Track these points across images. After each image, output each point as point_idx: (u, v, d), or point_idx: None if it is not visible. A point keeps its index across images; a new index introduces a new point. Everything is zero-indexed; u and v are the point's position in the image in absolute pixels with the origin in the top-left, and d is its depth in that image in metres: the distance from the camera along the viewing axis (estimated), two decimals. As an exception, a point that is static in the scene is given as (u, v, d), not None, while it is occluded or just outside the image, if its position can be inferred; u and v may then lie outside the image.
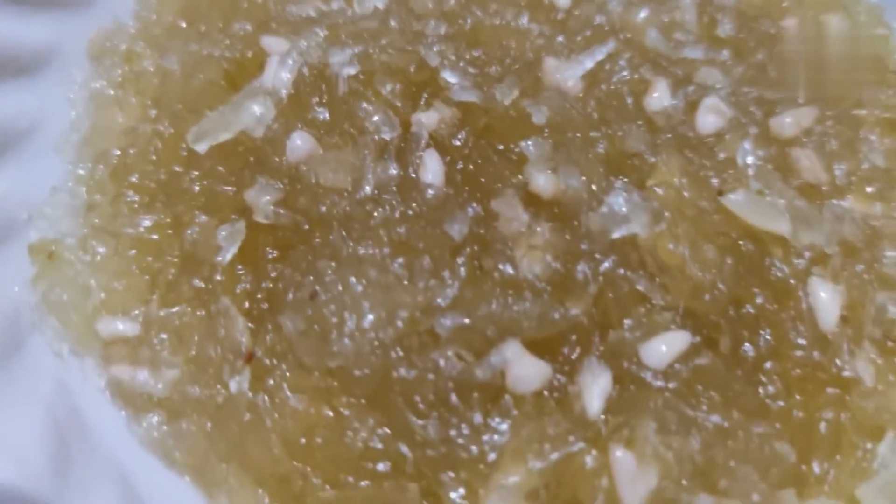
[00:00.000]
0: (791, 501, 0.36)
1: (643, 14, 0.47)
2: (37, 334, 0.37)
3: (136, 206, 0.43)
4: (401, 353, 0.37)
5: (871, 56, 0.52)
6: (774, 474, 0.36)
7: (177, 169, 0.44)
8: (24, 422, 0.32)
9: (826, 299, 0.40)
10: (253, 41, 0.47)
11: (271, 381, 0.37)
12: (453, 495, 0.35)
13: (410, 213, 0.40)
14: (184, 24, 0.49)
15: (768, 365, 0.40)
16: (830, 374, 0.39)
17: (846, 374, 0.40)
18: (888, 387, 0.40)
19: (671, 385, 0.37)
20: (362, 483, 0.36)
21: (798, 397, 0.39)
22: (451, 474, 0.35)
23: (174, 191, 0.43)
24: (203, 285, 0.40)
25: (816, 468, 0.38)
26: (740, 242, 0.40)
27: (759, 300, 0.40)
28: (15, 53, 0.44)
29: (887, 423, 0.39)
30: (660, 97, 0.44)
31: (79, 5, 0.48)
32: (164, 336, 0.39)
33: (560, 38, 0.45)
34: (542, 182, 0.40)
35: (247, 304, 0.40)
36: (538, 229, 0.40)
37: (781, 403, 0.38)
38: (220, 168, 0.43)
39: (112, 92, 0.47)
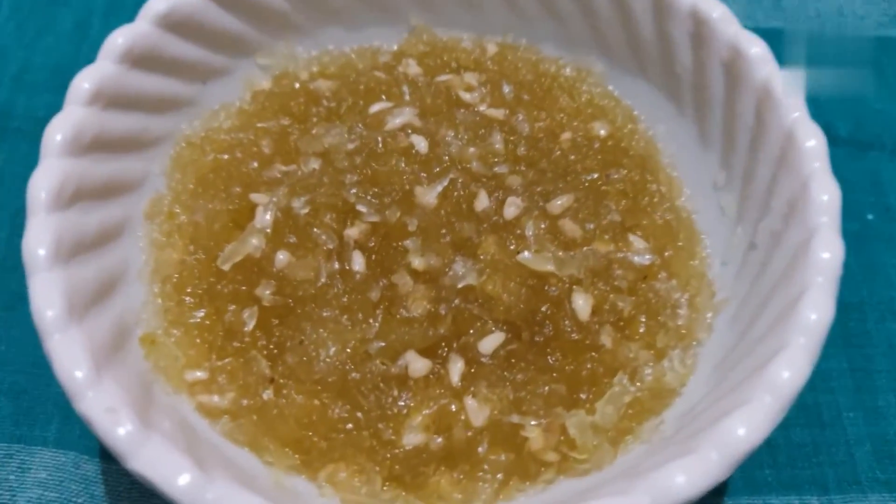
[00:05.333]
0: (560, 413, 0.67)
1: (471, 150, 0.80)
2: (156, 385, 0.69)
3: (192, 305, 0.69)
4: (352, 366, 0.65)
5: (619, 147, 0.87)
6: (553, 402, 0.69)
7: (212, 280, 0.70)
8: (169, 428, 0.64)
9: (581, 304, 0.67)
10: (245, 197, 0.73)
11: (285, 391, 0.64)
12: (387, 433, 0.62)
13: (348, 289, 0.73)
14: (200, 190, 0.80)
15: (552, 344, 0.65)
16: (586, 344, 0.66)
17: (596, 343, 0.66)
18: (619, 346, 0.69)
19: (495, 362, 0.64)
20: (340, 436, 0.63)
21: (569, 360, 0.66)
22: (384, 424, 0.63)
23: (213, 294, 0.68)
24: (239, 345, 0.67)
25: (583, 396, 0.71)
26: (530, 280, 0.66)
27: (543, 309, 0.66)
28: (107, 230, 0.70)
29: (619, 365, 0.67)
30: (482, 202, 0.70)
31: (135, 188, 0.77)
32: (223, 376, 0.71)
33: (423, 174, 0.75)
34: (417, 262, 0.66)
35: (265, 353, 0.66)
36: (418, 289, 0.68)
37: (559, 364, 0.73)
38: (239, 277, 0.68)
39: (164, 239, 0.75)
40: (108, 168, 0.75)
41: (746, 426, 0.52)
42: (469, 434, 0.63)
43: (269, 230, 0.71)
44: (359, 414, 0.64)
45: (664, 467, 0.54)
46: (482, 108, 0.83)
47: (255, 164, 0.80)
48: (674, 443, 0.62)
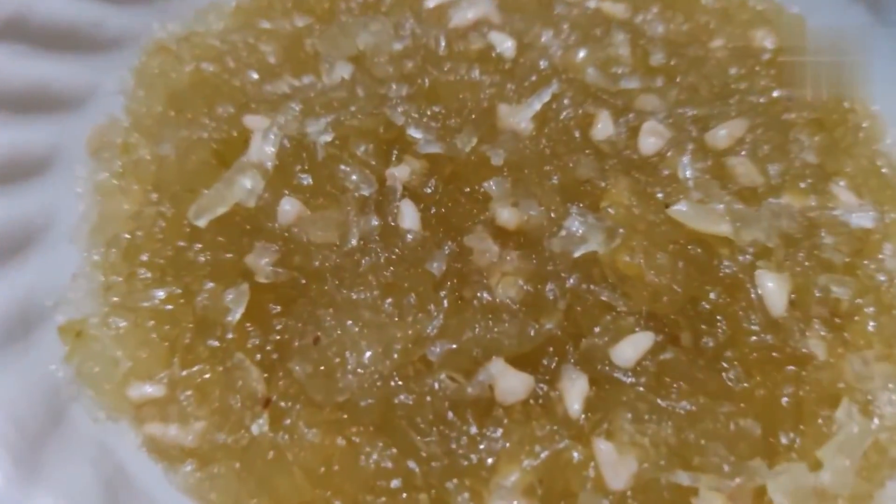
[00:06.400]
0: (760, 469, 0.42)
1: (581, 54, 0.54)
2: (76, 405, 0.44)
3: (149, 281, 0.50)
4: (399, 382, 0.44)
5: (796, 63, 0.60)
6: (743, 448, 0.43)
7: (181, 244, 0.51)
8: (78, 482, 0.38)
9: (773, 288, 0.47)
10: (236, 121, 0.54)
11: (288, 421, 0.44)
12: (460, 500, 0.42)
13: (394, 257, 0.47)
14: (172, 113, 0.56)
15: (728, 353, 0.46)
16: (785, 354, 0.46)
17: (800, 352, 0.46)
18: (838, 359, 0.47)
19: (641, 380, 0.44)
20: (379, 501, 0.42)
21: (758, 378, 0.45)
22: (456, 482, 0.42)
23: (181, 264, 0.50)
24: (217, 344, 0.47)
25: (784, 439, 0.45)
26: (689, 247, 0.47)
27: (712, 296, 0.47)
28: (21, 158, 0.51)
29: (841, 391, 0.46)
30: (604, 127, 0.51)
31: (74, 106, 0.55)
32: (188, 393, 0.45)
33: (510, 86, 0.52)
34: (506, 216, 0.47)
35: (258, 356, 0.47)
36: (508, 258, 0.47)
37: (744, 385, 0.45)
38: (221, 238, 0.50)
39: (115, 182, 0.54)
40: (31, 69, 0.52)
41: None
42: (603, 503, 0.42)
43: (270, 166, 0.51)
44: (412, 464, 0.44)
45: None
46: (591, 2, 0.56)
47: (255, 77, 0.56)
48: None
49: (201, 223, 0.50)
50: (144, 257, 0.51)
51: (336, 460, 0.43)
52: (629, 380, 0.44)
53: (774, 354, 0.46)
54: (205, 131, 0.54)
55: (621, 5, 0.59)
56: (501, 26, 0.56)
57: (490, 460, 0.43)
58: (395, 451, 0.43)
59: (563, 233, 0.47)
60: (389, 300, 0.46)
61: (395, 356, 0.44)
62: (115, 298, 0.50)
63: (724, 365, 0.46)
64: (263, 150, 0.51)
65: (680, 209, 0.47)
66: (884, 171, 0.55)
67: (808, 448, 0.44)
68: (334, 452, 0.43)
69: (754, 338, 0.46)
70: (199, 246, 0.50)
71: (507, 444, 0.43)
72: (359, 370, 0.44)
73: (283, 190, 0.50)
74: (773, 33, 0.61)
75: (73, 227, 0.53)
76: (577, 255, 0.47)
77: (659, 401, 0.44)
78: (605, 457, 0.42)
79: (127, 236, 0.52)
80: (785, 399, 0.46)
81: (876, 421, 0.45)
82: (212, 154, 0.54)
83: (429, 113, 0.51)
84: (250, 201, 0.49)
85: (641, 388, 0.44)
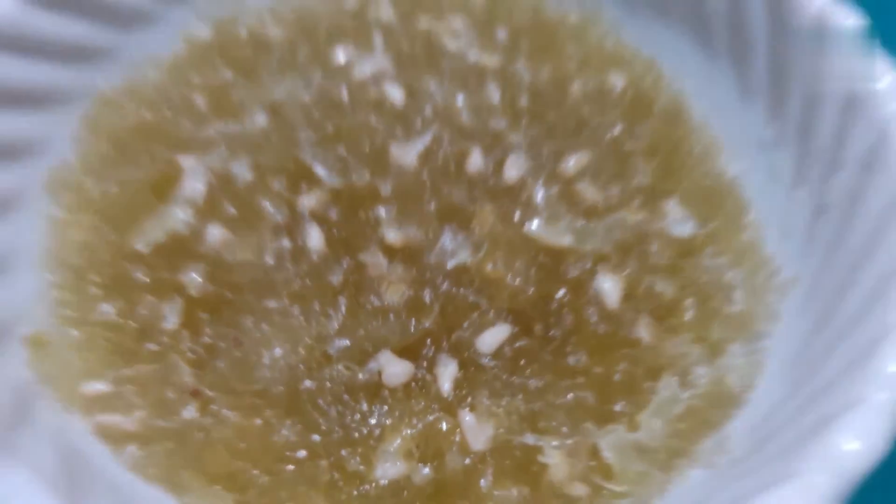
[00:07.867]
0: (590, 429, 0.50)
1: (460, 101, 0.63)
2: (40, 400, 0.50)
3: (97, 297, 0.56)
4: (305, 372, 0.52)
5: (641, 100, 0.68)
6: (579, 414, 0.51)
7: (125, 265, 0.57)
8: (44, 459, 0.45)
9: (608, 286, 0.54)
10: (171, 161, 0.61)
11: (214, 407, 0.51)
12: (353, 463, 0.49)
13: (302, 272, 0.55)
14: (115, 155, 0.63)
15: (572, 339, 0.53)
16: (618, 339, 0.53)
17: (631, 336, 0.54)
18: (661, 340, 0.54)
19: (499, 363, 0.52)
20: (288, 467, 0.49)
21: (596, 359, 0.53)
22: (350, 449, 0.49)
23: (125, 282, 0.56)
24: (155, 348, 0.54)
25: (617, 406, 0.52)
26: (541, 256, 0.55)
27: (559, 294, 0.54)
28: None
29: (664, 365, 0.53)
30: (475, 161, 0.59)
31: (33, 154, 0.61)
32: (130, 388, 0.52)
33: (399, 128, 0.61)
34: (393, 236, 0.55)
35: (191, 356, 0.53)
36: (394, 269, 0.54)
37: (584, 365, 0.53)
38: (159, 260, 0.56)
39: (67, 216, 0.60)
40: (-6, 126, 0.57)
41: (861, 438, 0.38)
42: (467, 461, 0.50)
43: (200, 199, 0.59)
44: (315, 437, 0.51)
45: (751, 500, 0.39)
46: (471, 56, 0.65)
47: (188, 124, 0.62)
48: (752, 466, 0.44)
49: (143, 248, 0.56)
50: (94, 277, 0.57)
51: (253, 437, 0.50)
52: (490, 363, 0.52)
53: (609, 340, 0.54)
54: (144, 171, 0.61)
55: (494, 56, 0.68)
56: (394, 78, 0.65)
57: (377, 431, 0.50)
58: (300, 427, 0.50)
59: (438, 248, 0.55)
60: (298, 308, 0.54)
61: (302, 352, 0.52)
62: (69, 312, 0.55)
63: (569, 349, 0.52)
64: (194, 186, 0.58)
65: (532, 228, 0.56)
66: (713, 187, 0.62)
67: (633, 414, 0.52)
68: (251, 431, 0.50)
69: (593, 327, 0.54)
70: (142, 267, 0.57)
71: (391, 419, 0.50)
72: (273, 364, 0.52)
73: (211, 219, 0.57)
74: (625, 74, 0.71)
75: (32, 256, 0.58)
76: (450, 265, 0.54)
77: (513, 379, 0.52)
78: (468, 425, 0.49)
79: (78, 260, 0.58)
80: (617, 375, 0.52)
81: (691, 391, 0.52)
82: (151, 190, 0.60)
83: (333, 154, 0.59)
84: (183, 230, 0.57)
85: (499, 370, 0.52)
